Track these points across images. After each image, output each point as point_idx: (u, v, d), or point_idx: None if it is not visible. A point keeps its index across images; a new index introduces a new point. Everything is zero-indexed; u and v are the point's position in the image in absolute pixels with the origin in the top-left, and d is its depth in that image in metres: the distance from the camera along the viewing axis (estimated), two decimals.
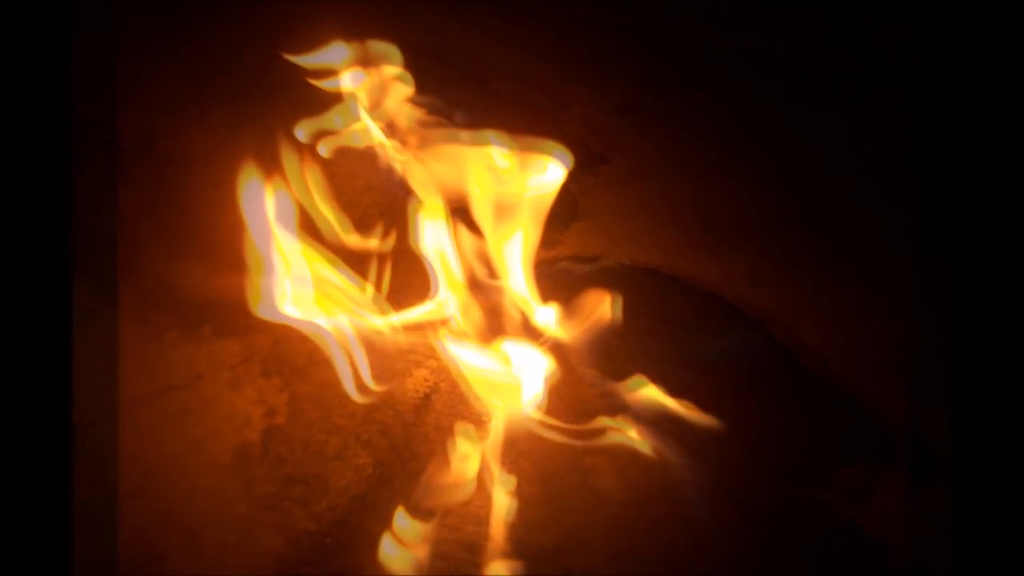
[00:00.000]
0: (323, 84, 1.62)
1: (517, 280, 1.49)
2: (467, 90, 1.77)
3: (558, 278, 1.61)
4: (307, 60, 1.62)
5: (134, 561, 1.19)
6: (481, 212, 1.49)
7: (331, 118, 1.61)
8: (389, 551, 1.21)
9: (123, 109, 1.49)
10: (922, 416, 1.41)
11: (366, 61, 1.65)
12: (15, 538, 1.03)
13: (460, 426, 1.37)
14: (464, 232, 1.49)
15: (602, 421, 1.36)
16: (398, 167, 1.58)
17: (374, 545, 1.22)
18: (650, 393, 1.39)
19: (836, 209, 1.81)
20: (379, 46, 1.65)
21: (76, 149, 1.41)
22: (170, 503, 1.26)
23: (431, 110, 1.63)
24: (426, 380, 1.46)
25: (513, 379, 1.38)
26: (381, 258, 1.52)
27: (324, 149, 1.57)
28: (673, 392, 1.38)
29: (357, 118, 1.62)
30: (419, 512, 1.25)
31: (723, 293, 1.63)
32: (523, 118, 1.69)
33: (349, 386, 1.38)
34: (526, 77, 1.94)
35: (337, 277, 1.44)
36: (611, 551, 1.22)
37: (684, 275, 1.66)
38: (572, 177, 1.56)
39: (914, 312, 1.56)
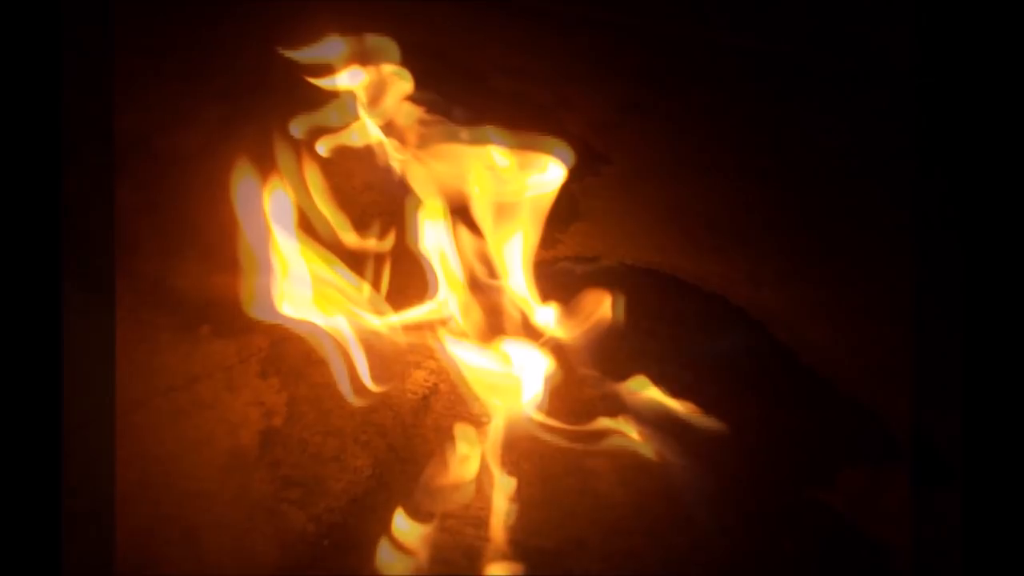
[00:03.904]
0: (321, 82, 1.62)
1: (517, 280, 1.48)
2: (467, 88, 1.76)
3: (558, 278, 1.60)
4: (305, 57, 1.62)
5: (132, 563, 1.18)
6: (481, 211, 1.48)
7: (329, 116, 1.60)
8: (388, 554, 1.20)
9: (120, 107, 1.48)
10: (926, 417, 1.40)
11: (364, 58, 1.64)
12: (7, 541, 1.02)
13: (459, 427, 1.36)
14: (464, 232, 1.48)
15: (603, 422, 1.35)
16: (397, 166, 1.57)
17: (373, 547, 1.21)
18: (651, 394, 1.38)
19: (838, 208, 1.81)
20: (377, 43, 1.65)
21: (71, 148, 1.40)
22: (167, 506, 1.25)
23: (430, 108, 1.63)
24: (425, 381, 1.45)
25: (513, 380, 1.37)
26: (379, 258, 1.51)
27: (322, 147, 1.57)
28: (674, 393, 1.38)
29: (355, 116, 1.61)
30: (418, 514, 1.24)
31: (724, 293, 1.63)
32: (523, 117, 1.68)
33: (346, 388, 1.37)
34: (526, 76, 1.94)
35: (335, 277, 1.43)
36: (611, 553, 1.22)
37: (685, 275, 1.65)
38: (572, 176, 1.55)
39: (917, 312, 1.55)
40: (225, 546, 1.21)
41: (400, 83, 1.62)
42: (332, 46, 1.62)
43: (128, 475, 1.26)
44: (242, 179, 1.43)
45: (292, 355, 1.43)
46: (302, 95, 1.61)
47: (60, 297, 1.13)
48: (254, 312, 1.38)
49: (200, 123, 1.57)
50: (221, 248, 1.41)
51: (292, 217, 1.44)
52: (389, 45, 1.65)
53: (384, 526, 1.22)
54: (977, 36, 1.23)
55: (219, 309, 1.43)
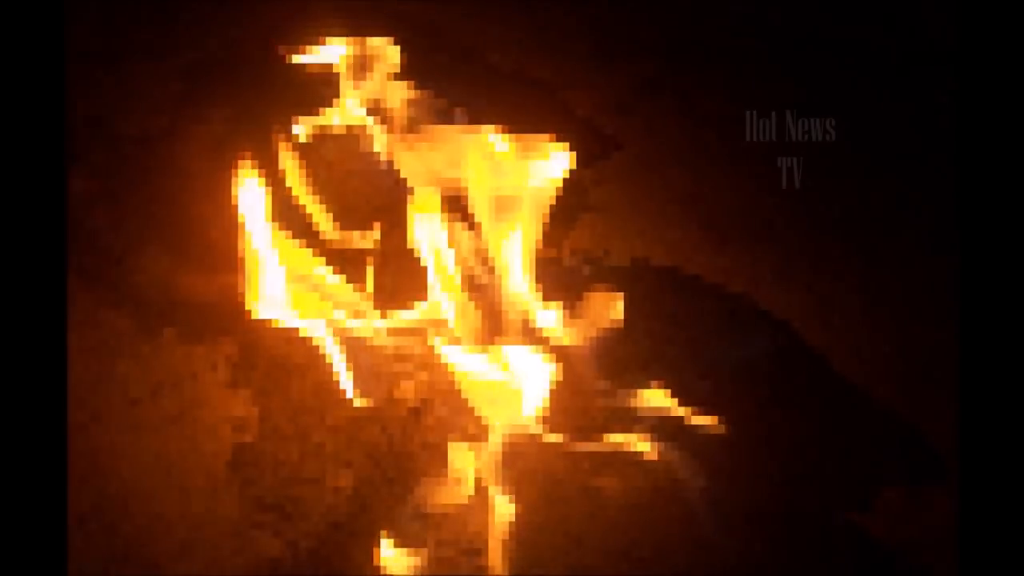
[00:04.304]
0: (321, 82, 1.63)
1: (517, 280, 1.45)
2: (467, 86, 1.75)
3: (563, 277, 1.58)
4: (305, 58, 1.63)
5: (132, 562, 1.20)
6: (480, 209, 1.46)
7: (329, 116, 1.61)
8: (390, 553, 1.19)
9: (121, 107, 1.50)
10: (927, 417, 1.38)
11: (365, 58, 1.65)
12: (9, 540, 1.03)
13: (459, 429, 1.35)
14: (462, 230, 1.46)
15: (605, 426, 1.33)
16: (395, 165, 1.56)
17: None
18: (653, 396, 1.36)
19: (842, 208, 1.78)
20: (378, 43, 1.65)
21: (73, 148, 1.42)
22: (165, 505, 1.25)
23: (430, 107, 1.63)
24: (422, 384, 1.43)
25: (513, 385, 1.34)
26: (376, 258, 1.50)
27: (322, 147, 1.58)
28: (676, 394, 1.35)
29: (355, 115, 1.62)
30: (419, 514, 1.24)
31: (727, 293, 1.60)
32: (524, 114, 1.66)
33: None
34: (527, 73, 1.93)
35: (332, 277, 1.43)
36: (614, 554, 1.21)
37: (689, 274, 1.62)
38: (575, 173, 1.52)
39: (920, 312, 1.53)
40: (223, 547, 1.21)
41: (399, 83, 1.62)
42: (333, 49, 1.63)
43: (128, 475, 1.25)
44: (244, 179, 1.43)
45: (290, 356, 1.42)
46: (303, 95, 1.62)
47: (63, 298, 1.15)
48: (256, 312, 1.38)
49: (201, 123, 1.58)
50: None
51: (291, 217, 1.45)
52: (389, 46, 1.65)
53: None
54: (984, 32, 1.21)
55: (220, 309, 1.42)
